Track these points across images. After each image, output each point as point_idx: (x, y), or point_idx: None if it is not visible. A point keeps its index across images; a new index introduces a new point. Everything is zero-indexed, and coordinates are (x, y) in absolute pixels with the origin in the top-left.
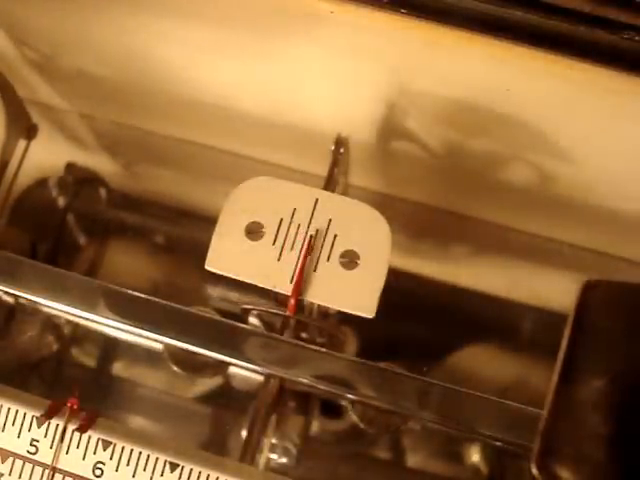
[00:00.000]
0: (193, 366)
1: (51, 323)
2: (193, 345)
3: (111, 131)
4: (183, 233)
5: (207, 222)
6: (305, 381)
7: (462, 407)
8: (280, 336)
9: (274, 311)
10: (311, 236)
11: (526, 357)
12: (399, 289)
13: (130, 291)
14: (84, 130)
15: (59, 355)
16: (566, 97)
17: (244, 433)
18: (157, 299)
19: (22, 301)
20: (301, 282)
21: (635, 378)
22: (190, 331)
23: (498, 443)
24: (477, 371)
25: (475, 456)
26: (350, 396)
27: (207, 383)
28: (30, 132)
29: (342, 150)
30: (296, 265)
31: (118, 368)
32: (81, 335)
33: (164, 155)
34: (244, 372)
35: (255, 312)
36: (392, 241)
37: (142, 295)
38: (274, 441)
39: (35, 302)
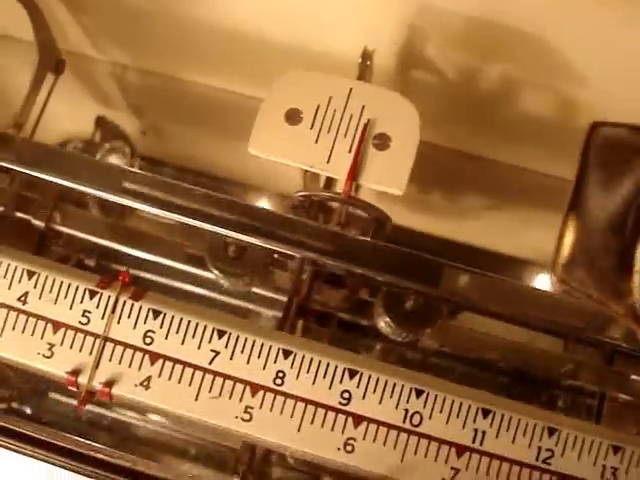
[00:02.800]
0: (231, 267)
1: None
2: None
3: (137, 84)
4: None
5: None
6: (337, 264)
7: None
8: (315, 222)
9: (329, 194)
10: (365, 124)
11: None
12: None
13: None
14: (111, 84)
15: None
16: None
17: None
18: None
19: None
20: (355, 167)
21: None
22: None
23: None
24: None
25: None
26: (379, 278)
27: None
28: (58, 66)
29: (368, 63)
30: (332, 146)
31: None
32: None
33: (188, 107)
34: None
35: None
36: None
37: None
38: None
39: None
